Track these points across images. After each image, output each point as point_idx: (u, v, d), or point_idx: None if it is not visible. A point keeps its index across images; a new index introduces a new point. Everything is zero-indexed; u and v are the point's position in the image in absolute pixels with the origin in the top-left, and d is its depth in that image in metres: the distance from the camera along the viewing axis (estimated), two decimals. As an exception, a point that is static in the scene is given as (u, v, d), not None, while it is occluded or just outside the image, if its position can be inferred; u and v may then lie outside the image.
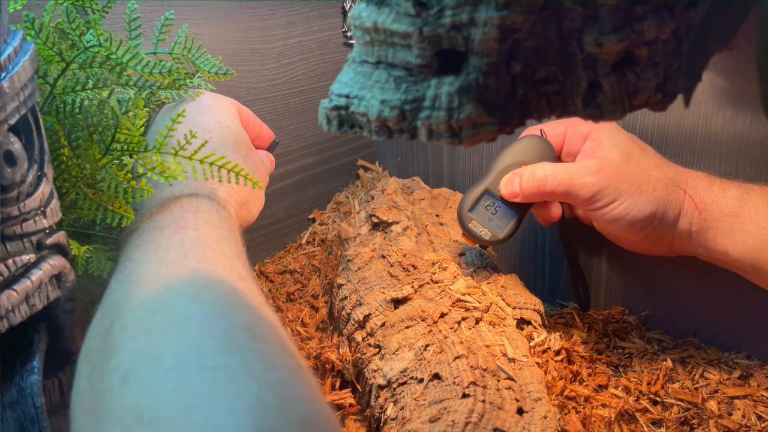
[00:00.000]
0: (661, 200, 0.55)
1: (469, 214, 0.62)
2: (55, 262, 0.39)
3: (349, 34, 0.71)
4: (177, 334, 0.32)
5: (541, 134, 0.62)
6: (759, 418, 0.56)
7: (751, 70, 0.56)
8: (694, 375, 0.62)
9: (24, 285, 0.36)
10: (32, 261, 0.37)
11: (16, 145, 0.36)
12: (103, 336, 0.34)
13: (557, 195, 0.57)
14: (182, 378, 0.30)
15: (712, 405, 0.57)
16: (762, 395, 0.58)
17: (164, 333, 0.32)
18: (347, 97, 0.32)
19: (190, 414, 0.28)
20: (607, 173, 0.55)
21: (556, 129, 0.62)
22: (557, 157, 0.62)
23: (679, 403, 0.58)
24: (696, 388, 0.60)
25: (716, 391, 0.59)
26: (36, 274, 0.37)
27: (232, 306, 0.36)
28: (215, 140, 0.54)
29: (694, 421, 0.56)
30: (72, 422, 0.32)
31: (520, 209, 0.62)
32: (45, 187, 0.38)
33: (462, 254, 0.67)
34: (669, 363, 0.63)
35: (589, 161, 0.57)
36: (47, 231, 0.39)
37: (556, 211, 0.62)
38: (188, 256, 0.40)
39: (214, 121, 0.55)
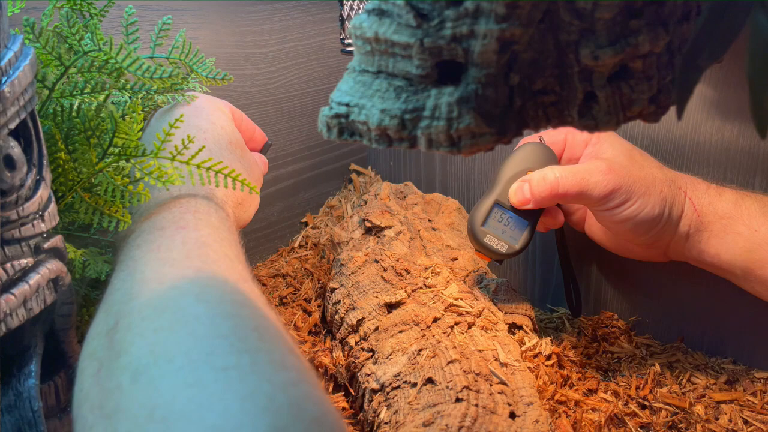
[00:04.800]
0: (667, 201, 0.56)
1: (483, 228, 0.60)
2: (52, 266, 0.39)
3: (347, 41, 0.72)
4: (186, 333, 0.33)
5: (540, 141, 0.63)
6: (745, 422, 0.57)
7: (739, 80, 0.57)
8: (682, 380, 0.63)
9: (22, 289, 0.36)
10: (30, 265, 0.37)
11: (15, 150, 0.36)
12: (109, 335, 0.34)
13: (570, 197, 0.57)
14: (194, 376, 0.30)
15: (699, 409, 0.58)
16: (748, 400, 0.59)
17: (173, 332, 0.33)
18: (347, 105, 0.33)
19: (204, 413, 0.28)
20: (618, 173, 0.55)
21: (557, 136, 0.63)
22: (558, 163, 0.63)
23: (666, 407, 0.59)
24: (683, 393, 0.61)
25: (703, 396, 0.60)
26: (34, 278, 0.37)
27: (238, 306, 0.36)
28: (210, 141, 0.54)
29: (681, 425, 0.57)
30: (76, 420, 0.32)
31: (531, 217, 0.61)
32: (43, 191, 0.38)
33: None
34: (657, 368, 0.63)
35: (598, 162, 0.57)
36: (45, 235, 0.39)
37: (560, 217, 0.62)
38: (191, 256, 0.40)
39: (208, 122, 0.56)
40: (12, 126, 0.35)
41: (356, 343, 0.60)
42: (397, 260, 0.64)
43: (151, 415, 0.28)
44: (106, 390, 0.31)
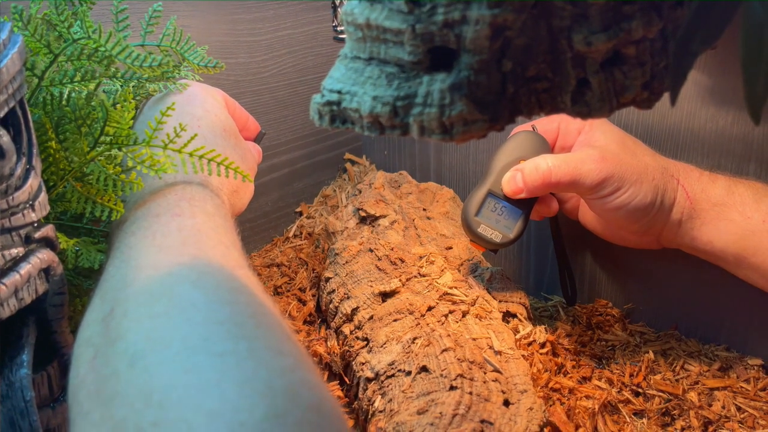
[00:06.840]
0: (659, 188, 0.56)
1: (476, 218, 0.60)
2: (43, 256, 0.38)
3: (339, 29, 0.71)
4: (183, 319, 0.32)
5: (533, 130, 0.63)
6: (738, 408, 0.57)
7: (733, 67, 0.57)
8: (675, 367, 0.63)
9: (13, 279, 0.36)
10: (21, 254, 0.37)
11: (4, 138, 0.36)
12: (105, 321, 0.34)
13: (563, 185, 0.56)
14: (191, 362, 0.30)
15: (692, 396, 0.59)
16: (741, 386, 0.60)
17: (170, 318, 0.33)
18: (339, 92, 0.32)
19: (201, 398, 0.28)
20: (611, 161, 0.55)
21: (549, 125, 0.63)
22: (551, 152, 0.63)
23: (660, 394, 0.59)
24: (677, 380, 0.61)
25: (696, 383, 0.61)
26: (25, 268, 0.37)
27: (234, 293, 0.36)
28: (204, 128, 0.54)
29: (675, 411, 0.58)
30: (72, 406, 0.32)
31: (525, 206, 0.60)
32: (33, 181, 0.38)
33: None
34: (651, 355, 0.64)
35: (590, 150, 0.57)
36: (35, 224, 0.39)
37: (554, 205, 0.62)
38: (187, 243, 0.40)
39: (202, 109, 0.55)
40: (0, 114, 0.35)
41: (351, 332, 0.60)
42: (392, 249, 0.64)
43: (148, 400, 0.28)
44: (102, 376, 0.31)
